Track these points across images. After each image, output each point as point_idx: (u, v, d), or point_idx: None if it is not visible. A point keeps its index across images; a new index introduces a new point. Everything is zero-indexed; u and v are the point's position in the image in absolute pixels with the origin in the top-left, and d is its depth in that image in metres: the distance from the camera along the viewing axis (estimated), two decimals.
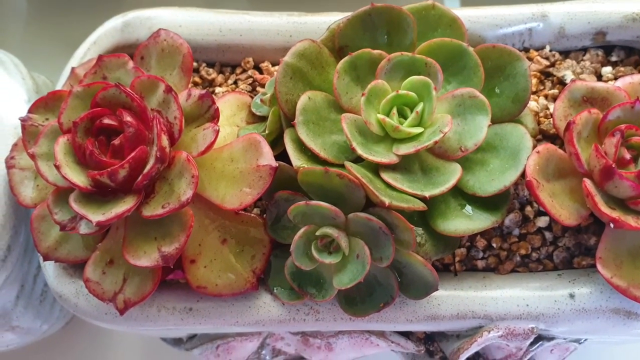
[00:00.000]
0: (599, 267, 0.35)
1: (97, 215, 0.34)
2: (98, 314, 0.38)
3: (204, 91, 0.36)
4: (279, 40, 0.43)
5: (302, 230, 0.35)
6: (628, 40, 0.42)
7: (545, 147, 0.36)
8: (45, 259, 0.38)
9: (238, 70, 0.44)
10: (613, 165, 0.33)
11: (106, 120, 0.35)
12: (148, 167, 0.34)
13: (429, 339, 0.41)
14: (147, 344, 0.57)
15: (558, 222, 0.35)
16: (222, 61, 0.44)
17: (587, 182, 0.34)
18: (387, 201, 0.33)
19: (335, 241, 0.35)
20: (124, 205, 0.34)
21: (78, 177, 0.34)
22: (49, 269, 0.40)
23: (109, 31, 0.43)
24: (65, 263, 0.39)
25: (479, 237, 0.39)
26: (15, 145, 0.40)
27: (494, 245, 0.38)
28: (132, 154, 0.34)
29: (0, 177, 0.41)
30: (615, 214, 0.33)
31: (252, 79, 0.43)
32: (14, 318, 0.46)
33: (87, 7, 0.70)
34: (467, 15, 0.42)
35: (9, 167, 0.40)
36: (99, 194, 0.35)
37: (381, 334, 0.40)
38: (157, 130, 0.34)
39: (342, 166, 0.35)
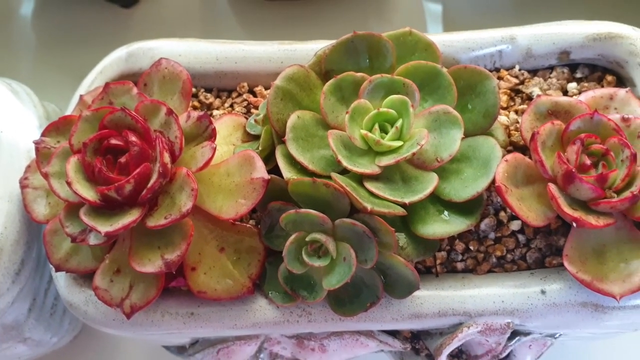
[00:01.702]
0: (565, 263, 0.38)
1: (105, 227, 0.37)
2: (106, 320, 0.41)
3: (202, 113, 0.40)
4: (271, 67, 0.47)
5: (293, 236, 0.38)
6: (590, 58, 0.45)
7: (513, 155, 0.40)
8: (58, 269, 0.41)
9: (234, 95, 0.48)
10: (574, 170, 0.37)
11: (113, 141, 0.38)
12: (152, 181, 0.37)
13: (415, 338, 0.44)
14: (152, 356, 0.59)
15: (526, 223, 0.38)
16: (219, 87, 0.48)
17: (552, 187, 0.38)
18: (369, 207, 0.37)
19: (323, 246, 0.38)
20: (130, 217, 0.37)
21: (88, 192, 0.38)
22: (60, 279, 0.43)
23: (114, 61, 0.47)
24: (76, 273, 0.42)
25: (458, 241, 0.42)
26: (28, 167, 0.44)
27: (472, 248, 0.42)
28: (137, 170, 0.37)
29: (14, 197, 0.44)
30: (577, 214, 0.37)
31: (246, 102, 0.47)
32: (26, 330, 0.48)
33: (92, 40, 0.75)
34: (442, 40, 0.46)
35: (23, 187, 0.43)
36: (107, 208, 0.38)
37: (370, 334, 0.43)
38: (160, 148, 0.37)
39: (329, 177, 0.39)
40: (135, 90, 0.41)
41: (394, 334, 0.43)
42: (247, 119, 0.45)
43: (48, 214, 0.42)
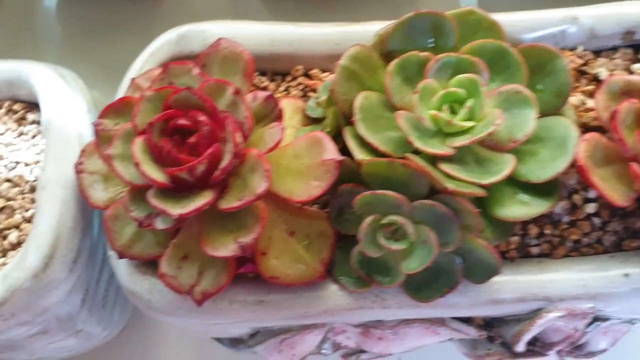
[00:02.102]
0: None
1: (176, 209, 0.35)
2: (171, 309, 0.40)
3: (268, 93, 0.39)
4: (326, 49, 0.45)
5: (369, 219, 0.37)
6: None
7: (592, 135, 0.38)
8: (121, 256, 0.40)
9: (288, 78, 0.46)
10: None
11: (180, 121, 0.37)
12: (225, 162, 0.36)
13: (488, 325, 0.43)
14: (200, 348, 0.58)
15: (611, 202, 0.37)
16: (273, 70, 0.46)
17: (635, 166, 0.37)
18: (450, 187, 0.36)
19: (400, 229, 0.37)
20: (203, 199, 0.36)
21: (157, 174, 0.36)
22: (121, 267, 0.41)
23: (164, 43, 0.46)
24: (139, 260, 0.40)
25: (532, 225, 0.41)
26: (83, 151, 0.42)
27: (547, 232, 0.40)
28: (209, 150, 0.36)
29: (68, 183, 0.43)
30: None
31: (302, 85, 0.46)
32: (79, 322, 0.47)
33: (119, 31, 0.73)
34: (503, 20, 0.44)
35: (79, 172, 0.42)
36: (175, 190, 0.37)
37: (441, 322, 0.42)
38: (231, 128, 0.36)
39: (401, 159, 0.38)
40: (196, 70, 0.39)
41: (467, 321, 0.42)
42: (305, 102, 0.44)
43: (107, 199, 0.41)
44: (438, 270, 0.38)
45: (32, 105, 0.48)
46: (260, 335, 0.44)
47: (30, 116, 0.48)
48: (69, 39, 0.75)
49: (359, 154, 0.38)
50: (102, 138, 0.39)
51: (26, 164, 0.46)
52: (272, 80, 0.47)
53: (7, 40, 0.74)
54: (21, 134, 0.47)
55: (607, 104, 0.40)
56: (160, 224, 0.37)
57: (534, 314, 0.39)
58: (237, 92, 0.37)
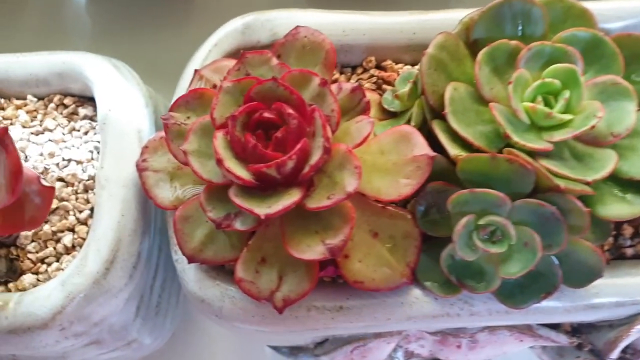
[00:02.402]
0: None
1: (262, 209, 0.33)
2: (244, 317, 0.37)
3: (354, 84, 0.36)
4: (401, 39, 0.43)
5: (464, 219, 0.34)
6: None
7: None
8: (191, 260, 0.37)
9: (359, 70, 0.44)
10: None
11: (265, 114, 0.34)
12: (315, 158, 0.33)
13: (576, 332, 0.40)
14: (249, 356, 0.55)
15: None
16: (342, 62, 0.44)
17: None
18: (563, 184, 0.33)
19: (498, 230, 0.34)
20: (290, 198, 0.33)
21: (241, 171, 0.33)
22: (189, 273, 0.38)
23: (229, 33, 0.43)
24: (211, 264, 0.38)
25: (626, 225, 0.38)
26: (145, 147, 0.39)
27: None
28: (298, 146, 0.33)
29: (129, 181, 0.40)
30: None
31: (376, 77, 0.43)
32: (133, 332, 0.44)
33: (151, 26, 0.70)
34: (591, 8, 0.42)
35: (142, 169, 0.39)
36: (258, 189, 0.34)
37: (527, 329, 0.39)
38: (321, 121, 0.33)
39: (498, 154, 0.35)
40: (275, 60, 0.37)
41: (555, 327, 0.40)
42: (380, 95, 0.42)
43: (174, 199, 0.38)
44: (535, 274, 0.35)
45: (84, 99, 0.46)
46: (330, 344, 0.42)
47: (82, 111, 0.45)
48: (100, 34, 0.72)
49: (453, 150, 0.35)
50: (173, 133, 0.37)
51: (78, 162, 0.43)
52: (341, 73, 0.44)
53: (36, 36, 0.71)
54: (72, 129, 0.45)
55: None
56: (240, 225, 0.34)
57: (631, 319, 0.37)
58: (324, 83, 0.35)
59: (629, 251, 0.38)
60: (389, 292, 0.37)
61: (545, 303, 0.36)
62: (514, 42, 0.38)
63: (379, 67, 0.44)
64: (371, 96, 0.41)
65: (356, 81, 0.43)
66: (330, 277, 0.38)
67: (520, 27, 0.39)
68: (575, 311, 0.37)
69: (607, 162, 0.35)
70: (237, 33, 0.43)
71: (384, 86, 0.43)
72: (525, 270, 0.34)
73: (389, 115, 0.41)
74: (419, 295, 0.37)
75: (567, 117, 0.36)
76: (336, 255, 0.33)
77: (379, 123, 0.40)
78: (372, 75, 0.43)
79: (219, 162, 0.33)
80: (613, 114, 0.37)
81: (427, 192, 0.36)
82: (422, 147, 0.35)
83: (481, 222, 0.34)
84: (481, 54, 0.38)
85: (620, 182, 0.36)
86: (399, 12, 0.44)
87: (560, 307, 0.36)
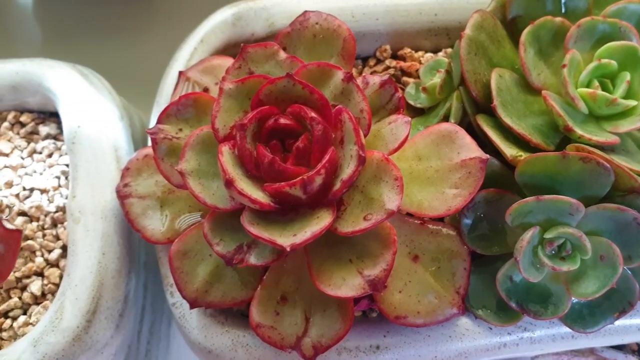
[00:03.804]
0: None
1: (286, 238, 0.26)
2: None
3: (384, 77, 0.30)
4: (422, 21, 0.37)
5: (529, 233, 0.28)
6: None
7: None
8: (194, 305, 0.30)
9: (372, 62, 0.38)
10: None
11: (282, 120, 0.27)
12: (349, 170, 0.27)
13: None
14: None
15: None
16: None
17: None
18: None
19: (568, 243, 0.28)
20: (320, 222, 0.26)
21: (257, 193, 0.27)
22: (192, 319, 0.31)
23: (217, 26, 0.36)
24: (219, 307, 0.31)
25: None
26: (127, 169, 0.32)
27: None
28: (327, 157, 0.26)
29: (108, 211, 0.33)
30: None
31: (393, 68, 0.37)
32: None
33: (107, 27, 0.62)
34: None
35: (124, 196, 0.32)
36: (277, 213, 0.27)
37: (590, 352, 0.34)
38: (352, 125, 0.27)
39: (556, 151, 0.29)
40: (283, 54, 0.30)
41: (620, 348, 0.34)
42: (402, 89, 0.35)
43: (167, 230, 0.31)
44: (609, 291, 0.30)
45: (45, 115, 0.38)
46: None
47: (44, 129, 0.37)
48: (51, 40, 0.64)
49: (509, 149, 0.30)
50: (163, 150, 0.30)
51: (43, 191, 0.35)
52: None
53: None
54: (33, 152, 0.37)
55: None
56: (255, 259, 0.27)
57: None
58: (350, 79, 0.28)
59: None
60: (433, 326, 0.31)
61: (618, 323, 0.31)
62: (559, 19, 0.33)
63: (395, 56, 0.38)
64: None
65: (370, 74, 0.37)
66: (363, 311, 0.32)
67: (562, 2, 0.34)
68: None
69: None
70: (226, 25, 0.36)
71: (405, 79, 0.36)
72: (604, 290, 0.28)
73: (415, 112, 0.35)
74: (469, 326, 0.31)
75: (632, 102, 0.31)
76: (379, 289, 0.27)
77: (418, 119, 0.34)
78: (389, 67, 0.37)
79: (229, 183, 0.26)
80: None
81: (477, 203, 0.30)
82: (470, 148, 0.29)
83: (548, 235, 0.28)
84: (525, 34, 0.32)
85: None
86: None
87: (635, 325, 0.31)
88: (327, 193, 0.27)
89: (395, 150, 0.28)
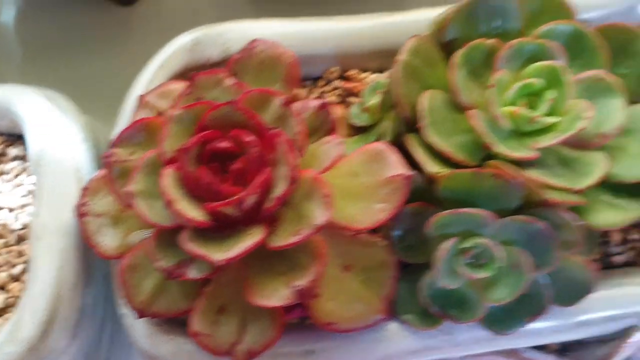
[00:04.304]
0: None
1: (219, 254, 0.29)
2: None
3: (321, 101, 0.32)
4: (368, 45, 0.39)
5: (446, 243, 0.31)
6: None
7: None
8: (141, 315, 0.32)
9: (321, 82, 0.40)
10: None
11: (222, 144, 0.30)
12: (281, 189, 0.29)
13: (564, 350, 0.37)
14: None
15: None
16: (303, 74, 0.40)
17: None
18: (552, 197, 0.30)
19: (484, 252, 0.31)
20: (252, 238, 0.29)
21: (194, 212, 0.29)
22: (139, 328, 0.34)
23: (177, 51, 0.39)
24: (164, 317, 0.33)
25: (614, 232, 0.35)
26: (85, 189, 0.35)
27: (633, 237, 0.35)
28: (261, 177, 0.29)
29: (69, 228, 0.35)
30: None
31: (340, 89, 0.39)
32: None
33: (88, 44, 0.65)
34: None
35: (82, 214, 0.34)
36: (214, 230, 0.30)
37: (513, 353, 0.36)
38: (285, 147, 0.29)
39: (477, 167, 0.32)
40: (229, 80, 0.33)
41: (541, 348, 0.37)
42: (345, 108, 0.38)
43: (119, 245, 0.33)
44: (522, 296, 0.32)
45: (13, 138, 0.41)
46: None
47: (12, 151, 0.40)
48: (32, 57, 0.66)
49: (431, 166, 0.32)
50: (116, 172, 0.32)
51: (10, 210, 0.38)
52: (302, 87, 0.40)
53: None
54: (1, 173, 0.39)
55: None
56: (194, 273, 0.30)
57: (623, 333, 0.34)
58: (287, 103, 0.31)
59: (619, 259, 0.36)
60: (363, 331, 0.33)
61: (533, 325, 0.33)
62: (491, 41, 0.35)
63: (343, 77, 0.40)
64: (336, 110, 0.38)
65: (319, 95, 0.40)
66: (298, 318, 0.35)
67: (496, 24, 0.36)
68: (565, 330, 0.34)
69: (597, 167, 0.33)
70: (184, 51, 0.39)
71: (350, 98, 0.39)
72: (513, 295, 0.31)
73: (357, 131, 0.37)
74: (396, 330, 0.34)
75: (553, 119, 0.33)
76: (305, 298, 0.29)
77: (348, 140, 0.37)
78: (336, 88, 0.40)
79: (169, 203, 0.29)
80: (600, 112, 0.34)
81: (404, 215, 0.33)
82: (396, 166, 0.32)
83: (465, 244, 0.31)
84: (456, 56, 0.35)
85: (611, 186, 0.34)
86: (362, 16, 0.40)
87: (548, 327, 0.34)
88: (261, 211, 0.29)
89: (328, 168, 0.31)
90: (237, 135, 0.30)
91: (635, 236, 0.36)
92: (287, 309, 0.32)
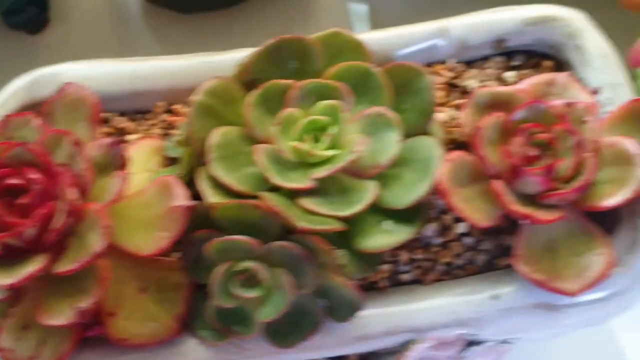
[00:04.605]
0: (517, 264, 0.35)
1: (6, 279, 0.33)
2: None
3: (112, 139, 0.36)
4: (190, 82, 0.42)
5: (220, 267, 0.35)
6: (527, 44, 0.43)
7: (456, 154, 0.37)
8: None
9: (150, 116, 0.44)
10: (519, 163, 0.34)
11: (11, 180, 0.34)
12: (58, 222, 0.33)
13: (364, 359, 0.40)
14: None
15: (474, 225, 0.35)
16: (134, 109, 0.44)
17: (496, 183, 0.35)
18: (302, 225, 0.33)
19: (253, 276, 0.35)
20: (34, 265, 0.33)
21: None
22: None
23: (16, 91, 0.43)
24: None
25: (402, 251, 0.39)
26: None
27: (418, 257, 0.39)
28: (40, 211, 0.33)
29: None
30: (526, 210, 0.34)
31: (165, 122, 0.43)
32: None
33: None
34: (374, 38, 0.43)
35: None
36: (8, 258, 0.34)
37: None
38: (66, 183, 0.33)
39: (253, 198, 0.35)
40: (36, 121, 0.37)
41: (341, 358, 0.40)
42: (165, 141, 0.42)
43: None
44: (298, 313, 0.36)
45: None
46: None
47: None
48: None
49: (212, 197, 0.36)
50: None
51: None
52: (132, 120, 0.44)
53: None
54: None
55: (473, 119, 0.38)
56: None
57: (405, 346, 0.37)
58: (77, 143, 0.35)
59: (406, 277, 0.39)
60: (163, 345, 0.37)
61: (316, 339, 0.36)
62: (285, 82, 0.39)
63: (169, 111, 0.44)
64: (155, 143, 0.42)
65: (147, 128, 0.44)
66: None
67: (297, 65, 0.40)
68: (347, 344, 0.37)
69: (366, 195, 0.36)
70: (23, 91, 0.43)
71: (172, 131, 0.43)
72: (279, 312, 0.34)
73: (172, 162, 0.41)
74: (193, 345, 0.37)
75: (331, 152, 0.37)
76: (86, 318, 0.33)
77: (161, 171, 0.40)
78: (163, 120, 0.43)
79: None
80: (379, 144, 0.37)
81: (194, 241, 0.36)
82: (179, 197, 0.35)
83: (237, 268, 0.35)
84: (251, 96, 0.38)
85: (383, 212, 0.37)
86: (186, 55, 0.44)
87: (331, 341, 0.37)
88: (42, 240, 0.33)
89: (113, 201, 0.35)
90: (25, 172, 0.34)
91: (419, 256, 0.39)
92: (87, 326, 0.36)
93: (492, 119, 0.37)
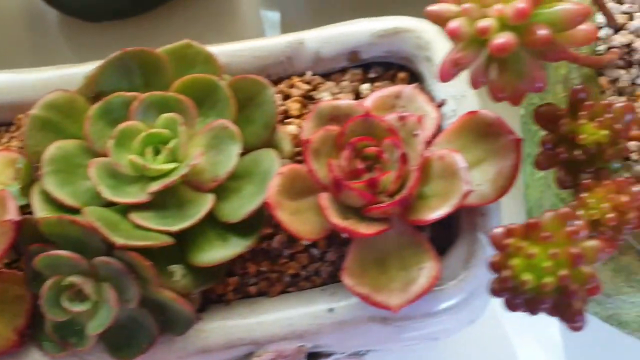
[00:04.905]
0: (344, 277, 0.35)
1: None
2: None
3: None
4: (35, 95, 0.42)
5: (49, 281, 0.35)
6: (381, 56, 0.44)
7: (290, 167, 0.37)
8: None
9: (12, 128, 0.44)
10: (340, 177, 0.35)
11: None
12: None
13: None
14: None
15: (298, 238, 0.36)
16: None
17: (322, 196, 0.35)
18: (119, 241, 0.34)
19: (81, 290, 0.35)
20: None
21: None
22: None
23: None
24: None
25: (250, 263, 0.39)
26: None
27: (264, 269, 0.39)
28: None
29: None
30: (346, 223, 0.34)
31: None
32: None
33: None
34: (229, 50, 0.43)
35: None
36: None
37: None
38: None
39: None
40: None
41: None
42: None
43: None
44: (135, 326, 0.36)
45: None
46: None
47: None
48: None
49: (42, 212, 0.36)
50: None
51: None
52: None
53: None
54: None
55: (313, 132, 0.39)
56: None
57: (246, 359, 0.37)
58: None
59: (253, 289, 0.39)
60: (4, 358, 0.37)
61: (157, 352, 0.37)
62: (129, 94, 0.39)
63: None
64: (12, 155, 0.41)
65: (9, 140, 0.43)
66: None
67: (142, 78, 0.40)
68: (188, 356, 0.37)
69: (202, 208, 0.36)
70: None
71: None
72: (105, 326, 0.34)
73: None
74: (37, 357, 0.37)
75: (169, 166, 0.37)
76: None
77: (10, 184, 0.40)
78: (22, 133, 0.43)
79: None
80: (221, 157, 0.38)
81: (31, 254, 0.36)
82: (10, 211, 0.35)
83: (65, 282, 0.35)
84: (92, 109, 0.39)
85: (221, 225, 0.37)
86: (45, 68, 0.44)
87: (173, 354, 0.37)
88: None
89: None
90: None
91: (267, 268, 0.39)
92: None
93: (322, 133, 0.37)
